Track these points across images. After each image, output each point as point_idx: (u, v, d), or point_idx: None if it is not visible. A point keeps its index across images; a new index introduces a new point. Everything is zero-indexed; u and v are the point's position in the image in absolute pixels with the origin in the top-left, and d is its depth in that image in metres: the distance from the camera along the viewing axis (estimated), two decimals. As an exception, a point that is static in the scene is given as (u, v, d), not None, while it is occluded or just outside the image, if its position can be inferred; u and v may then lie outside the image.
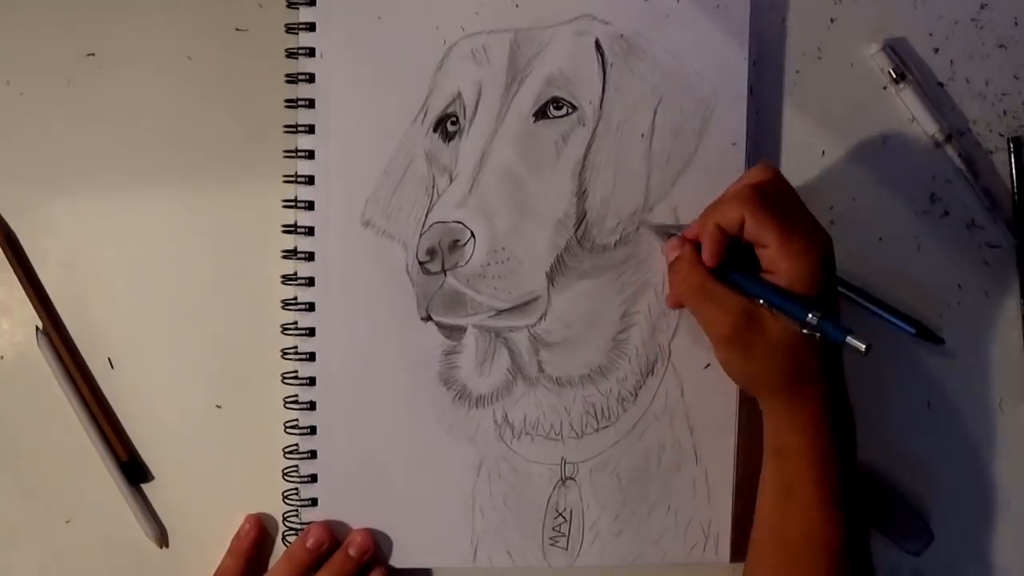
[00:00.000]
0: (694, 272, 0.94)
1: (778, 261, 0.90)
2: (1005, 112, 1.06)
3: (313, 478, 1.01)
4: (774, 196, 0.92)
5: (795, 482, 0.94)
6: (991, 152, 1.07)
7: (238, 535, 1.03)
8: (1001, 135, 1.06)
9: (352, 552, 1.01)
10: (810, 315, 0.88)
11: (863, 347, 0.87)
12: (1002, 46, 1.06)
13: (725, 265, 0.93)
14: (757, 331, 0.91)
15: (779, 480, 0.96)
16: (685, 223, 1.00)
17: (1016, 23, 1.06)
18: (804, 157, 1.04)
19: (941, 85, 1.06)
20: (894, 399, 1.05)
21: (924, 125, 1.05)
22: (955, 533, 1.07)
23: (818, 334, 0.88)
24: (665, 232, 1.00)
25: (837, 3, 1.05)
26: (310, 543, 1.01)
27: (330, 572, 1.01)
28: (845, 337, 0.88)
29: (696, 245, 0.95)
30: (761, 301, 0.91)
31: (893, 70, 1.04)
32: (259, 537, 1.03)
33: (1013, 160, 1.06)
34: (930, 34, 1.05)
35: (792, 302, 0.89)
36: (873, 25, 1.05)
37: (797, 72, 1.05)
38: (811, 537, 0.93)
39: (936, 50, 1.06)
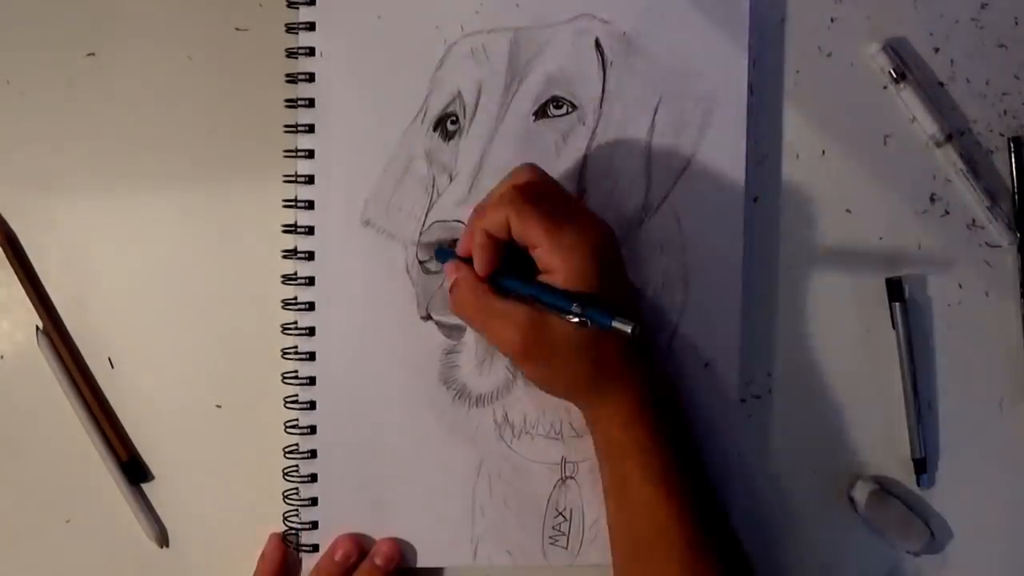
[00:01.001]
0: (472, 292, 0.92)
1: (550, 258, 0.88)
2: (1005, 112, 1.06)
3: (313, 478, 1.01)
4: (538, 194, 0.90)
5: (628, 479, 0.93)
6: (991, 152, 1.06)
7: (264, 556, 1.03)
8: (1001, 135, 1.06)
9: (379, 562, 1.01)
10: (574, 306, 0.86)
11: (628, 328, 0.85)
12: (1002, 46, 1.06)
13: (501, 273, 0.92)
14: (547, 338, 0.89)
15: (614, 480, 0.95)
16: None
17: (1016, 23, 1.06)
18: (804, 157, 1.04)
19: (941, 85, 1.06)
20: (894, 399, 1.05)
21: (924, 125, 1.04)
22: (955, 533, 1.07)
23: (588, 323, 0.86)
24: (440, 247, 1.00)
25: (837, 3, 1.05)
26: (338, 556, 1.01)
27: None
28: (611, 322, 0.85)
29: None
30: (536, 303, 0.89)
31: (893, 70, 1.04)
32: (284, 556, 1.03)
33: (1013, 160, 1.06)
34: (930, 34, 1.05)
35: (557, 296, 0.87)
36: (873, 25, 1.05)
37: (797, 72, 1.04)
38: (656, 531, 0.92)
39: (936, 50, 1.05)
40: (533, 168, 0.92)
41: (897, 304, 1.05)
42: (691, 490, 0.93)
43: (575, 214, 0.90)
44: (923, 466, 1.05)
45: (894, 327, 1.05)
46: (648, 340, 0.98)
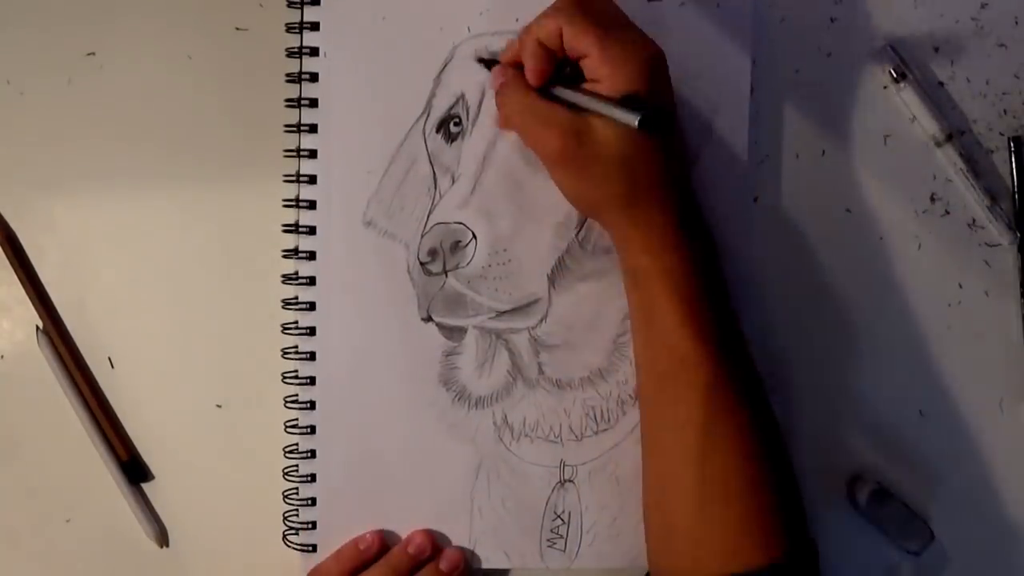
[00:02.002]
0: (519, 93, 0.92)
1: (599, 68, 0.87)
2: (1005, 111, 1.06)
3: (312, 477, 1.01)
4: (591, 4, 0.89)
5: (655, 307, 0.92)
6: (991, 151, 1.06)
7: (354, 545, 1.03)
8: (1001, 134, 1.06)
9: (443, 567, 1.02)
10: (625, 112, 0.85)
11: (634, 121, 0.83)
12: (1002, 45, 1.06)
13: (551, 83, 0.91)
14: (588, 146, 0.88)
15: (639, 307, 0.94)
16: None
17: (1016, 22, 1.06)
18: (804, 157, 1.04)
19: (941, 84, 1.06)
20: (894, 398, 1.05)
21: (924, 124, 1.04)
22: (955, 533, 1.07)
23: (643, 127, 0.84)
24: (490, 62, 0.99)
25: (837, 3, 1.04)
26: (411, 549, 1.02)
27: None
28: (638, 120, 0.84)
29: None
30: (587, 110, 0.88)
31: (893, 70, 1.03)
32: (379, 552, 1.03)
33: (1013, 159, 1.06)
34: (930, 33, 1.05)
35: (614, 104, 0.86)
36: (873, 25, 1.05)
37: (797, 72, 1.04)
38: (679, 364, 0.91)
39: (936, 49, 1.05)
40: None
41: None
42: (717, 322, 0.92)
43: (626, 27, 0.89)
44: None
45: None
46: (685, 167, 0.97)
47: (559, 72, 0.91)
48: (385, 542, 1.02)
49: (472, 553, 1.03)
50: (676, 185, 0.92)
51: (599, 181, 0.90)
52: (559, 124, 0.89)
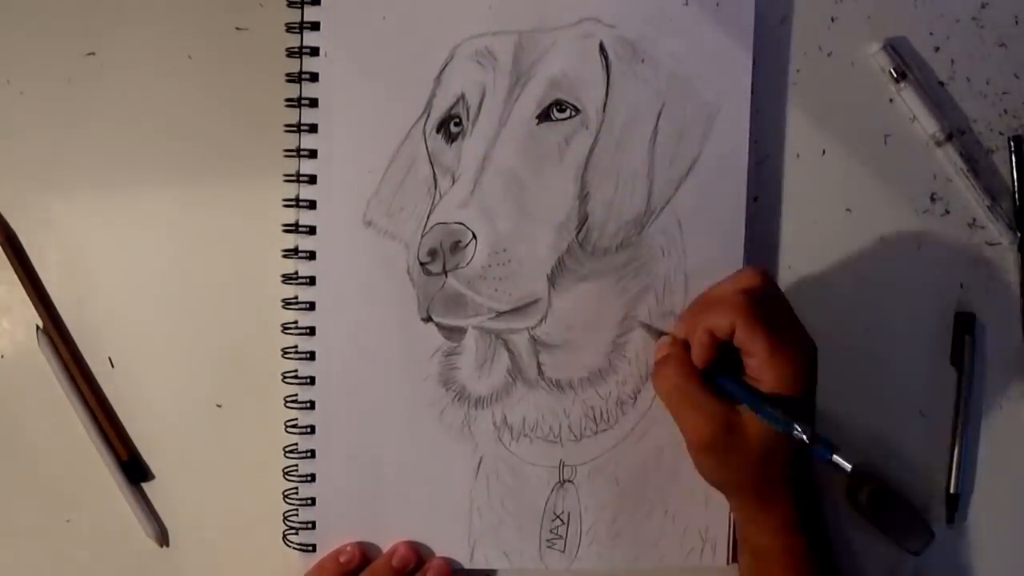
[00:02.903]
0: (680, 374, 0.94)
1: (764, 371, 0.90)
2: (1006, 111, 1.06)
3: (312, 477, 1.01)
4: (766, 303, 0.92)
5: None
6: (992, 151, 1.06)
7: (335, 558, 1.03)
8: (1002, 134, 1.06)
9: (395, 563, 1.02)
10: (798, 429, 0.88)
11: (848, 467, 0.88)
12: (1003, 45, 1.06)
13: (712, 367, 0.93)
14: (735, 440, 0.91)
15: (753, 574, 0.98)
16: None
17: (1017, 22, 1.06)
18: (805, 156, 1.04)
19: (942, 84, 1.06)
20: (894, 399, 1.05)
21: (924, 124, 1.04)
22: (957, 533, 1.07)
23: (805, 444, 0.89)
24: (654, 331, 1.01)
25: (837, 2, 1.04)
26: (396, 562, 1.02)
27: None
28: (831, 455, 0.89)
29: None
30: (746, 407, 0.91)
31: (894, 69, 1.03)
32: (361, 565, 1.03)
33: (1014, 159, 1.06)
34: (931, 33, 1.05)
35: (779, 415, 0.89)
36: (874, 24, 1.05)
37: (798, 71, 1.04)
38: None
39: (937, 49, 1.05)
40: (760, 273, 0.94)
41: (967, 338, 1.07)
42: None
43: (794, 329, 0.93)
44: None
45: (953, 364, 1.07)
46: (810, 461, 0.98)
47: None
48: (367, 554, 1.02)
49: (471, 553, 1.03)
50: (803, 473, 0.95)
51: (738, 470, 0.93)
52: (712, 416, 0.91)
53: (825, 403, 1.03)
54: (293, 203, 1.00)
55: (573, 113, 1.00)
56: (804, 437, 0.88)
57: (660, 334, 0.99)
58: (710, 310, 0.93)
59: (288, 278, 1.00)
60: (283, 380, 1.01)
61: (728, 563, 1.04)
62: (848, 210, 1.05)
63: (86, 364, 1.03)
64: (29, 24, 1.02)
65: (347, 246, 1.00)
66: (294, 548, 1.02)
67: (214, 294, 1.03)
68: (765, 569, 0.96)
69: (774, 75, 1.04)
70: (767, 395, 0.90)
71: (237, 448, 1.03)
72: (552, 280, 1.00)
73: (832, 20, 1.05)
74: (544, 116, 1.00)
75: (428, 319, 1.01)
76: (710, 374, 0.93)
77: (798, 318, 0.93)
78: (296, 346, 1.01)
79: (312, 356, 1.01)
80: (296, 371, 1.01)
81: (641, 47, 1.00)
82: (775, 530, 0.94)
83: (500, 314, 1.00)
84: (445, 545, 1.03)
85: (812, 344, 0.92)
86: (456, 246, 0.98)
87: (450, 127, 1.00)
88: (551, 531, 1.03)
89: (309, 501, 1.01)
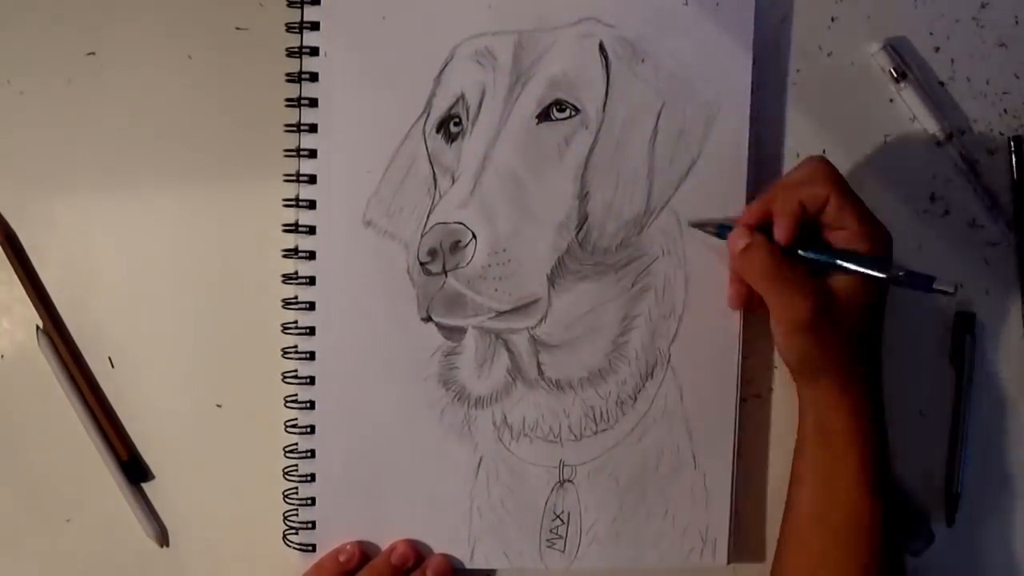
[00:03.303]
0: (770, 255, 0.94)
1: (855, 241, 0.92)
2: (1006, 111, 1.06)
3: (311, 477, 1.01)
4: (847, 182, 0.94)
5: (839, 467, 0.96)
6: (992, 151, 1.06)
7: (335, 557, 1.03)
8: (1002, 134, 1.06)
9: (394, 560, 1.02)
10: (893, 268, 0.91)
11: (952, 288, 0.90)
12: (1003, 45, 1.06)
13: (793, 245, 0.94)
14: (832, 315, 0.92)
15: (821, 466, 0.97)
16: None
17: (1017, 22, 1.06)
18: (804, 156, 1.04)
19: (942, 84, 1.06)
20: (895, 399, 1.05)
21: (925, 124, 1.04)
22: (956, 534, 1.07)
23: (905, 282, 0.91)
24: (711, 226, 1.00)
25: (838, 2, 1.04)
26: (395, 559, 1.02)
27: None
28: (932, 283, 0.90)
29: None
30: (842, 266, 0.92)
31: (894, 69, 1.03)
32: (360, 563, 1.03)
33: (1014, 159, 1.06)
34: (931, 33, 1.05)
35: (874, 260, 0.91)
36: (874, 24, 1.05)
37: (798, 71, 1.04)
38: (855, 522, 0.95)
39: (937, 49, 1.05)
40: (828, 162, 0.95)
41: (967, 337, 1.07)
42: (888, 485, 0.97)
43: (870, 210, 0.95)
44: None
45: (952, 362, 1.07)
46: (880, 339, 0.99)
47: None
48: (366, 553, 1.02)
49: (471, 553, 1.03)
50: (879, 352, 0.97)
51: (832, 349, 0.94)
52: (810, 292, 0.92)
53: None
54: (293, 203, 1.00)
55: (573, 113, 1.00)
56: (901, 274, 0.90)
57: (718, 226, 0.99)
58: (801, 185, 0.94)
59: (288, 278, 1.00)
60: (283, 380, 1.01)
61: (728, 563, 1.04)
62: (848, 210, 1.05)
63: (86, 364, 1.03)
64: (29, 24, 1.02)
65: (347, 246, 1.00)
66: (294, 548, 1.02)
67: (214, 294, 1.03)
68: (834, 455, 0.96)
69: (774, 75, 1.04)
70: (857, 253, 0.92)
71: (237, 448, 1.03)
72: (552, 280, 1.00)
73: (832, 20, 1.05)
74: (544, 116, 1.00)
75: (428, 319, 1.01)
76: (793, 254, 0.94)
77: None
78: (296, 346, 1.01)
79: (312, 356, 1.01)
80: (296, 371, 1.01)
81: (641, 47, 1.00)
82: (851, 411, 0.95)
83: (500, 314, 1.00)
84: (445, 545, 1.03)
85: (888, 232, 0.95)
86: (456, 246, 0.98)
87: (450, 127, 1.00)
88: (551, 531, 1.03)
89: (309, 501, 1.01)
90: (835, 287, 0.92)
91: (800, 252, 0.94)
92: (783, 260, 0.93)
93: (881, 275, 0.91)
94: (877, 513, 0.95)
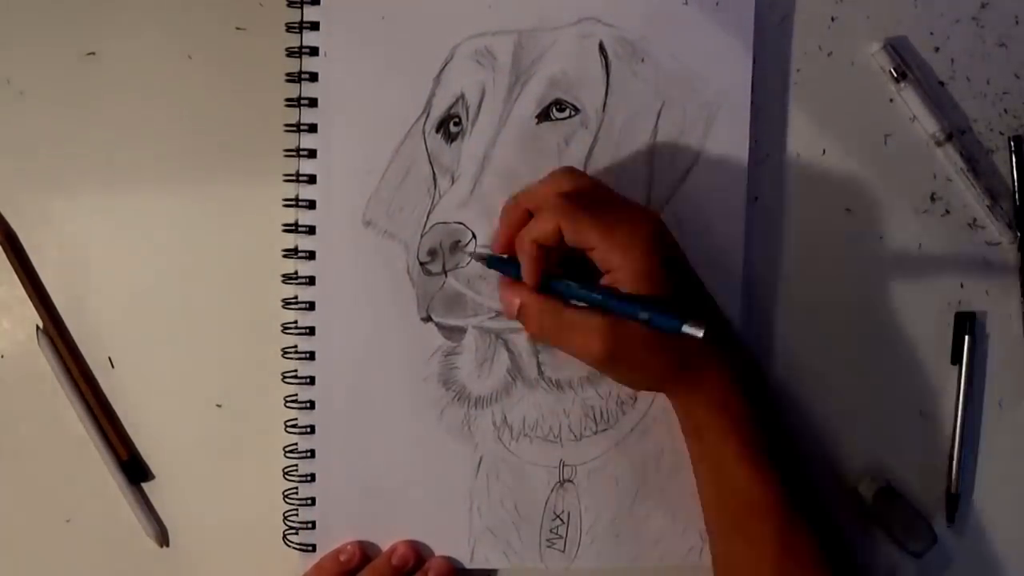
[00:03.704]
0: (543, 312, 0.93)
1: (609, 257, 0.88)
2: (1006, 111, 1.06)
3: (311, 477, 1.01)
4: (585, 197, 0.90)
5: (720, 458, 0.94)
6: (992, 151, 1.06)
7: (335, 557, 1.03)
8: (1002, 134, 1.06)
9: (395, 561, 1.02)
10: (640, 312, 0.86)
11: (699, 332, 0.84)
12: (1003, 45, 1.06)
13: (568, 283, 0.92)
14: (628, 340, 0.90)
15: (703, 457, 0.96)
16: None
17: (1017, 22, 1.06)
18: (804, 156, 1.04)
19: (942, 84, 1.06)
20: (895, 399, 1.05)
21: (925, 124, 1.04)
22: (957, 534, 1.07)
23: (654, 328, 0.86)
24: (486, 259, 0.98)
25: (838, 2, 1.04)
26: (395, 560, 1.02)
27: None
28: (680, 326, 0.85)
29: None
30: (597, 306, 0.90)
31: (894, 69, 1.03)
32: (361, 563, 1.03)
33: (1014, 159, 1.06)
34: (931, 33, 1.05)
35: (623, 303, 0.88)
36: (874, 24, 1.05)
37: (798, 71, 1.04)
38: (752, 505, 0.94)
39: (937, 49, 1.05)
40: (572, 171, 0.93)
41: (967, 338, 1.06)
42: (779, 467, 0.94)
43: (623, 209, 0.91)
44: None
45: (954, 363, 1.07)
46: (727, 324, 0.99)
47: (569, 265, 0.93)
48: (366, 553, 1.02)
49: (471, 553, 1.04)
50: (723, 343, 0.95)
51: (648, 367, 0.93)
52: (596, 331, 0.90)
53: (825, 402, 1.04)
54: (293, 203, 1.00)
55: (573, 113, 1.00)
56: (644, 319, 0.86)
57: (488, 258, 0.98)
58: (531, 225, 0.91)
59: (288, 278, 1.00)
60: (283, 380, 1.01)
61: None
62: (848, 210, 1.05)
63: (86, 364, 1.03)
64: (29, 24, 1.02)
65: (347, 246, 1.00)
66: (294, 548, 1.02)
67: (214, 294, 1.03)
68: (711, 447, 0.95)
69: (774, 75, 1.04)
70: (602, 285, 0.89)
71: (237, 448, 1.03)
72: (552, 280, 1.00)
73: (832, 20, 1.04)
74: (544, 116, 1.00)
75: (428, 319, 1.01)
76: (562, 293, 0.92)
77: (628, 199, 0.93)
78: (296, 346, 1.01)
79: (312, 356, 1.01)
80: (296, 371, 1.01)
81: (641, 47, 1.00)
82: (709, 406, 0.94)
83: (500, 314, 1.00)
84: (445, 545, 1.03)
85: (650, 216, 0.92)
86: (456, 246, 0.99)
87: (450, 127, 1.00)
88: (551, 531, 1.03)
89: (309, 501, 1.01)
90: None
91: (568, 292, 0.92)
92: (558, 308, 0.92)
93: (631, 319, 0.87)
94: (774, 492, 0.93)
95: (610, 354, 0.90)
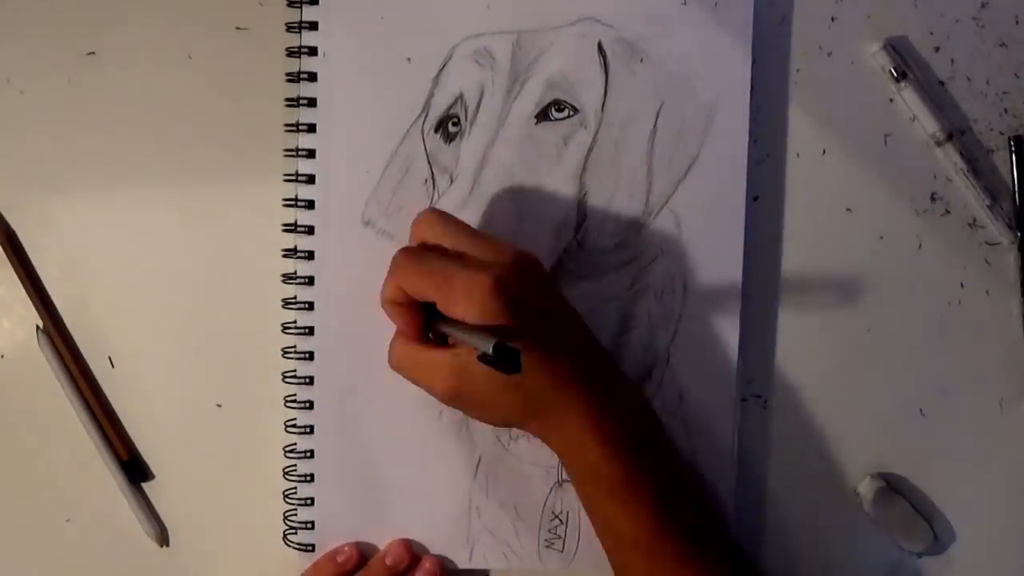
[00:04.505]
0: (400, 347, 0.94)
1: (452, 311, 0.87)
2: (1006, 111, 1.06)
3: (311, 477, 1.01)
4: (422, 252, 0.91)
5: (585, 496, 0.95)
6: (992, 151, 1.06)
7: (332, 558, 1.03)
8: (1002, 134, 1.06)
9: (389, 561, 1.02)
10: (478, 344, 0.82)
11: (489, 346, 0.79)
12: (1003, 45, 1.06)
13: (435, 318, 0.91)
14: (472, 379, 0.89)
15: (580, 494, 0.96)
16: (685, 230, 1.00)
17: (1017, 21, 1.06)
18: (804, 156, 1.04)
19: (942, 84, 1.06)
20: (895, 399, 1.05)
21: (925, 124, 1.04)
22: (957, 534, 1.07)
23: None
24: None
25: (837, 2, 1.04)
26: (390, 560, 1.02)
27: None
28: (490, 347, 0.80)
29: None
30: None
31: (894, 69, 1.03)
32: (357, 565, 1.03)
33: (1014, 159, 1.06)
34: (931, 33, 1.05)
35: (471, 332, 0.85)
36: (874, 24, 1.04)
37: (798, 71, 1.04)
38: (625, 543, 0.94)
39: (937, 49, 1.05)
40: (428, 217, 0.94)
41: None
42: (657, 500, 0.93)
43: (465, 260, 0.89)
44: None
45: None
46: (600, 354, 0.97)
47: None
48: (364, 554, 1.02)
49: (469, 553, 1.04)
50: (582, 379, 0.92)
51: (495, 406, 0.92)
52: (443, 370, 0.90)
53: (825, 402, 1.04)
54: (292, 203, 1.00)
55: (571, 113, 1.00)
56: (487, 348, 0.80)
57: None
58: (383, 287, 0.92)
59: (288, 278, 1.00)
60: (283, 380, 1.01)
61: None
62: (848, 210, 1.05)
63: (86, 364, 1.03)
64: (29, 24, 1.02)
65: (345, 246, 1.00)
66: (294, 548, 1.02)
67: (214, 294, 1.03)
68: (579, 484, 0.95)
69: (774, 75, 1.04)
70: (452, 320, 0.87)
71: (237, 448, 1.03)
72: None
73: (832, 20, 1.04)
74: (542, 116, 1.00)
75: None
76: (435, 329, 0.92)
77: (480, 240, 0.91)
78: (295, 346, 1.01)
79: (311, 356, 1.01)
80: (295, 371, 1.01)
81: (640, 47, 1.00)
82: (570, 446, 0.93)
83: (499, 313, 1.00)
84: (444, 545, 1.03)
85: (502, 259, 0.89)
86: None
87: (448, 127, 1.00)
88: (550, 531, 1.03)
89: (308, 501, 1.01)
90: (473, 355, 0.85)
91: (435, 325, 0.92)
92: (414, 347, 0.93)
93: (480, 347, 0.82)
94: (655, 540, 0.92)
95: (455, 393, 0.91)
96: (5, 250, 1.02)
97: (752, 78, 1.02)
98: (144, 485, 1.04)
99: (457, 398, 0.91)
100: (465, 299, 0.86)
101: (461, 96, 1.00)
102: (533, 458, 1.02)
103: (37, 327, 1.02)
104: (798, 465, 1.05)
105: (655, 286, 1.01)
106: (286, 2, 1.00)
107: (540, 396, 0.90)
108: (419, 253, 0.91)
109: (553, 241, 1.00)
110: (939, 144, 1.04)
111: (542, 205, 1.00)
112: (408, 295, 0.90)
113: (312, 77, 1.00)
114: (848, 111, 1.05)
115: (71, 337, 1.03)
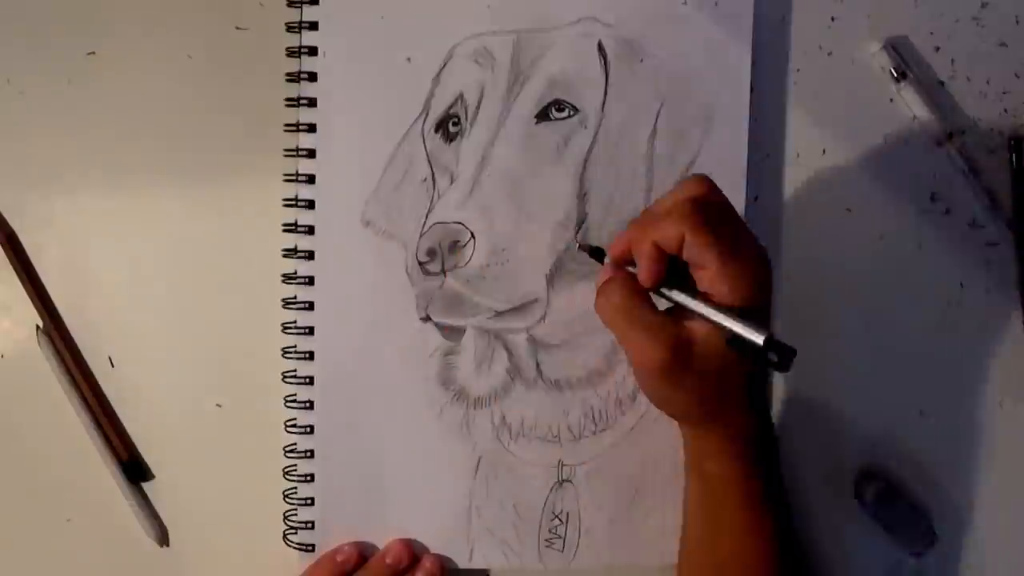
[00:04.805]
0: (628, 297, 0.87)
1: (717, 283, 0.84)
2: (1006, 111, 1.06)
3: (311, 477, 1.01)
4: (715, 214, 0.85)
5: (722, 507, 0.93)
6: (992, 151, 1.06)
7: (332, 557, 1.03)
8: (1002, 134, 1.06)
9: (389, 560, 1.02)
10: (749, 333, 0.82)
11: (760, 339, 0.82)
12: (1003, 44, 1.06)
13: (664, 284, 0.87)
14: (687, 359, 0.85)
15: (704, 503, 0.95)
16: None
17: (1017, 21, 1.06)
18: (805, 156, 1.04)
19: (942, 84, 1.06)
20: (895, 399, 1.05)
21: (925, 124, 1.04)
22: (957, 533, 1.07)
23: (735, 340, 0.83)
24: (596, 252, 0.93)
25: (838, 2, 1.04)
26: (390, 559, 1.02)
27: None
28: (765, 338, 0.82)
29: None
30: (698, 323, 0.85)
31: (894, 69, 1.03)
32: (357, 564, 1.03)
33: (1014, 159, 1.06)
34: (931, 33, 1.05)
35: (727, 311, 0.83)
36: (874, 24, 1.05)
37: (798, 71, 1.04)
38: (742, 561, 0.93)
39: (937, 48, 1.05)
40: (705, 181, 0.88)
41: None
42: (780, 522, 0.94)
43: (746, 240, 0.86)
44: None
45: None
46: (764, 381, 0.98)
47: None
48: (363, 554, 1.02)
49: (469, 553, 1.04)
50: (757, 395, 0.92)
51: (690, 394, 0.88)
52: (665, 337, 0.85)
53: (825, 402, 1.04)
54: (292, 203, 1.00)
55: (572, 112, 1.00)
56: (758, 340, 0.82)
57: (591, 248, 0.93)
58: (656, 222, 0.85)
59: (288, 278, 1.00)
60: (284, 380, 1.01)
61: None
62: (848, 210, 1.05)
63: (86, 364, 1.03)
64: (29, 24, 1.02)
65: (346, 246, 1.00)
66: (294, 548, 1.02)
67: (214, 294, 1.03)
68: (715, 495, 0.94)
69: (774, 75, 1.04)
70: (717, 303, 0.84)
71: (237, 448, 1.03)
72: (551, 280, 1.00)
73: (832, 20, 1.04)
74: (543, 115, 1.00)
75: (427, 319, 1.01)
76: (659, 294, 0.88)
77: (749, 230, 0.87)
78: (295, 345, 1.01)
79: (311, 356, 1.01)
80: (295, 371, 1.01)
81: (640, 46, 1.00)
82: (726, 456, 0.91)
83: (499, 314, 1.00)
84: (444, 544, 1.03)
85: (765, 253, 0.87)
86: (455, 246, 0.99)
87: (449, 127, 1.00)
88: (550, 531, 1.03)
89: (308, 501, 1.01)
90: (695, 331, 0.85)
91: (663, 291, 0.87)
92: (638, 299, 0.87)
93: (724, 327, 0.83)
94: (767, 554, 0.93)
95: (668, 366, 0.85)
96: (5, 250, 1.02)
97: (752, 78, 1.02)
98: (144, 485, 1.04)
99: (658, 372, 0.86)
100: (742, 279, 0.84)
101: (461, 96, 1.00)
102: (533, 458, 1.03)
103: (37, 327, 1.02)
104: (798, 465, 1.05)
105: (655, 286, 1.01)
106: (286, 2, 1.00)
107: (734, 398, 0.89)
108: (712, 215, 0.85)
109: (553, 241, 1.00)
110: (939, 144, 1.04)
111: (542, 205, 1.00)
112: (677, 247, 0.84)
113: (312, 77, 0.99)
114: (848, 111, 1.05)
115: (71, 337, 1.03)
